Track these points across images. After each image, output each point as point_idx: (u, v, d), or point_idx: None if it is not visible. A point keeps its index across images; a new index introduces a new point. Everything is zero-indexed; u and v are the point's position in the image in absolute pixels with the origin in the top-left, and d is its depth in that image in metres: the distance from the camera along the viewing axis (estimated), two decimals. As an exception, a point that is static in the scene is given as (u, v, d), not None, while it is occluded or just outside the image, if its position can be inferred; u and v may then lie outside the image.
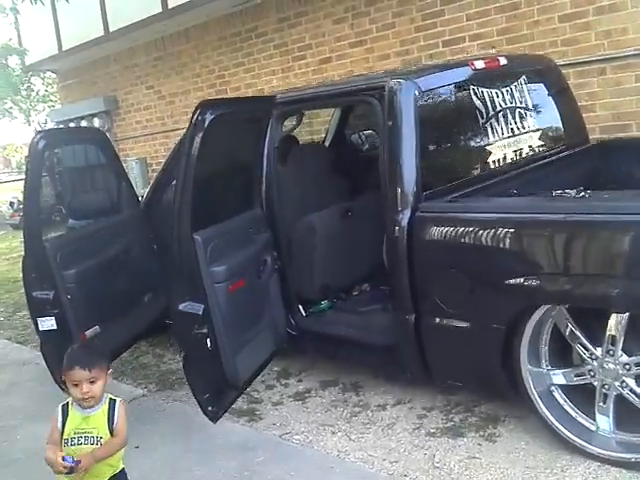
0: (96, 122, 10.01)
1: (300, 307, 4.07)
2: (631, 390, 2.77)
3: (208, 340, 3.12)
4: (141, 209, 4.69)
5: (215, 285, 3.19)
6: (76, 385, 2.44)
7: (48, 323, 3.69)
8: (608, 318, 2.74)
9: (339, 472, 3.09)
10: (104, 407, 2.50)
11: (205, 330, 3.11)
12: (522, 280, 2.85)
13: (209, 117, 3.03)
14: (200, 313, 3.10)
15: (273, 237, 3.82)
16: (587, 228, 2.77)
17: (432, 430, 3.33)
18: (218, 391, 3.33)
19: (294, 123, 4.48)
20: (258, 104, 3.80)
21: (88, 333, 3.88)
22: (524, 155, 3.92)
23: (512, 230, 2.88)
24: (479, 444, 3.15)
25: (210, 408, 3.23)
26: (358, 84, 3.88)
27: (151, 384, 4.46)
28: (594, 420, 2.91)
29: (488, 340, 3.05)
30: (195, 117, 3.03)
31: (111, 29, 8.84)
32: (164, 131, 9.21)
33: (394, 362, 3.53)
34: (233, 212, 3.55)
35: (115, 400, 2.54)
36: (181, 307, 3.15)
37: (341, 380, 4.05)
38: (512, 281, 2.88)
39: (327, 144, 5.58)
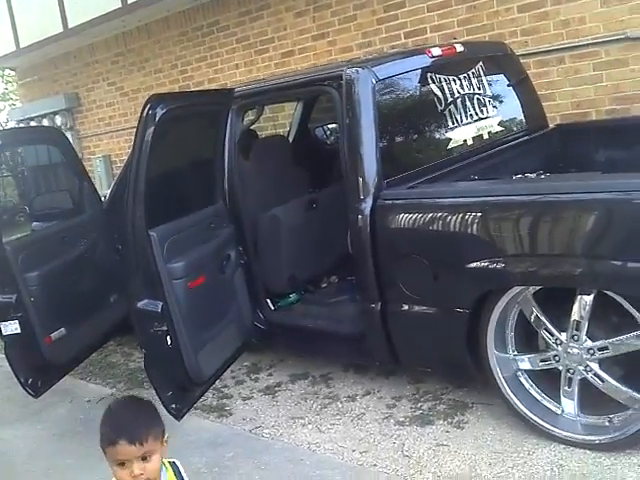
0: (58, 120, 9.85)
1: (268, 301, 4.07)
2: (595, 374, 2.81)
3: (168, 337, 3.10)
4: (104, 208, 4.63)
5: (173, 282, 3.16)
6: (122, 464, 1.83)
7: (12, 327, 3.63)
8: (573, 304, 2.78)
9: (309, 464, 3.10)
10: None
11: (165, 327, 3.08)
12: (484, 263, 2.87)
13: (160, 112, 2.99)
14: (159, 310, 3.08)
15: (238, 232, 3.80)
16: (549, 208, 2.78)
17: (401, 419, 3.36)
18: (181, 388, 3.31)
19: (254, 117, 4.45)
20: (214, 98, 3.76)
21: (53, 336, 3.82)
22: (484, 141, 3.95)
23: (473, 214, 2.90)
24: (447, 431, 3.18)
25: (174, 406, 3.21)
26: (316, 74, 3.87)
27: (120, 383, 4.43)
28: (559, 404, 2.95)
29: (453, 325, 3.08)
30: (145, 112, 2.98)
31: (70, 25, 8.67)
32: (128, 128, 9.08)
33: (363, 351, 3.55)
34: (193, 207, 3.52)
35: (175, 463, 2.07)
36: (139, 305, 3.13)
37: (311, 373, 4.05)
38: (474, 265, 2.90)
39: (291, 137, 5.57)
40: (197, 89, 7.66)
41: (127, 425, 1.85)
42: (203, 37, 7.80)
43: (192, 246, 3.36)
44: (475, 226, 2.91)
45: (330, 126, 5.62)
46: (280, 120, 6.90)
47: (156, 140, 3.03)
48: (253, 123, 4.47)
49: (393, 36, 6.21)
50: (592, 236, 2.64)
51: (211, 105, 3.65)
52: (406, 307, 3.23)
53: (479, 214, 2.90)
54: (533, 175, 3.39)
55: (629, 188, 2.61)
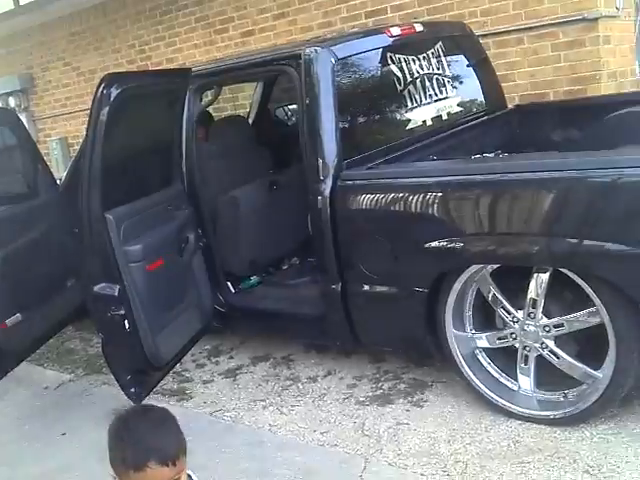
0: (12, 101, 9.57)
1: (228, 284, 4.04)
2: (551, 351, 2.86)
3: (126, 321, 3.06)
4: (60, 192, 4.52)
5: (130, 265, 3.12)
6: None
7: (-36, 314, 3.54)
8: (529, 282, 2.81)
9: (270, 446, 3.10)
10: None
11: (122, 311, 3.05)
12: (443, 243, 2.89)
13: (115, 91, 2.93)
14: (116, 294, 3.04)
15: (197, 214, 3.76)
16: (505, 188, 2.80)
17: (362, 399, 3.38)
18: (140, 372, 3.28)
19: (212, 97, 4.39)
20: (171, 77, 3.69)
21: (8, 322, 3.74)
22: (443, 121, 3.96)
23: (431, 194, 2.91)
24: (407, 410, 3.21)
25: (132, 390, 3.19)
26: (274, 54, 3.82)
27: (78, 369, 4.37)
28: (516, 381, 3.00)
29: (412, 304, 3.10)
30: (99, 91, 2.92)
31: (21, 2, 8.42)
32: (85, 109, 8.87)
33: (324, 332, 3.56)
34: (150, 189, 3.46)
35: (190, 477, 1.77)
36: (96, 289, 3.09)
37: (272, 355, 4.05)
38: (433, 244, 2.92)
39: (250, 118, 5.51)
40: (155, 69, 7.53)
41: (156, 443, 1.58)
42: (161, 16, 7.64)
43: (149, 229, 3.31)
44: (434, 206, 2.92)
45: (291, 107, 5.58)
46: (240, 101, 6.82)
47: (111, 120, 2.96)
48: (211, 103, 4.40)
49: (354, 16, 6.16)
50: (549, 215, 2.67)
51: (168, 85, 3.58)
52: (366, 287, 3.24)
53: (437, 194, 2.90)
54: (491, 155, 3.41)
55: (584, 167, 2.63)
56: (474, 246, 2.85)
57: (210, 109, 4.98)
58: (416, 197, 2.95)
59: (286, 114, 5.68)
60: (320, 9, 6.35)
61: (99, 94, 2.93)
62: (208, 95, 4.51)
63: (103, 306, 3.09)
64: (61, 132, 9.42)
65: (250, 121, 5.47)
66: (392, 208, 3.05)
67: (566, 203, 2.65)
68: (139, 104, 3.21)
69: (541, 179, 2.70)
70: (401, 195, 3.01)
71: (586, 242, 2.57)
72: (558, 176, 2.67)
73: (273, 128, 5.40)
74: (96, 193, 3.01)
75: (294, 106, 5.50)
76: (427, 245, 2.93)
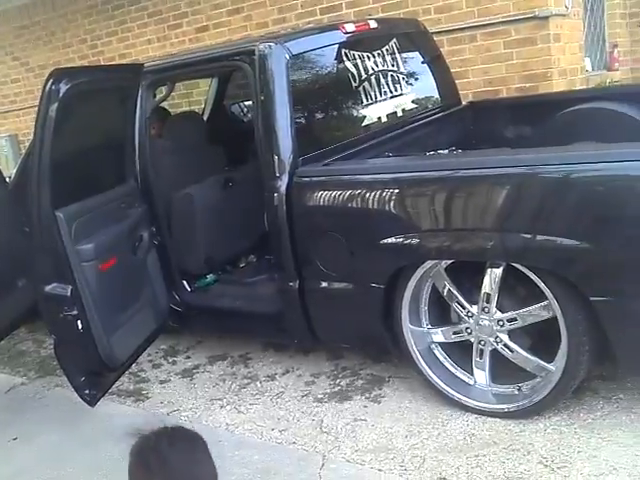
0: (-42, 97, 9.32)
1: (184, 282, 4.00)
2: (505, 345, 2.90)
3: (78, 322, 3.00)
4: (10, 190, 4.41)
5: (83, 264, 3.05)
6: None
7: None
8: (483, 277, 2.85)
9: (227, 445, 3.08)
10: None
11: (75, 312, 2.99)
12: (398, 239, 2.90)
13: (64, 87, 2.86)
14: (68, 294, 2.98)
15: (151, 211, 3.70)
16: (460, 184, 2.82)
17: (320, 396, 3.38)
18: (94, 374, 3.22)
19: (165, 93, 4.32)
20: (123, 73, 3.62)
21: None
22: (398, 118, 3.97)
23: (387, 191, 2.92)
24: (365, 406, 3.22)
25: (87, 392, 3.13)
26: (228, 49, 3.79)
27: (30, 371, 4.27)
28: (472, 375, 3.03)
29: (369, 301, 3.11)
30: (48, 87, 2.85)
31: (-33, -6, 8.22)
32: (35, 106, 8.66)
33: (281, 330, 3.54)
34: (103, 187, 3.39)
35: None
36: (47, 289, 3.02)
37: (230, 354, 4.02)
38: (389, 241, 2.93)
39: (205, 114, 5.45)
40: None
41: (189, 476, 1.43)
42: (113, 10, 7.51)
43: (102, 227, 3.24)
44: (389, 203, 2.92)
45: (246, 103, 5.54)
46: (195, 97, 6.76)
47: (61, 117, 2.90)
48: (164, 99, 4.34)
49: (309, 12, 6.16)
50: (502, 211, 2.69)
51: (120, 80, 3.51)
52: (324, 284, 3.23)
53: (392, 191, 2.91)
54: (445, 152, 3.44)
55: (536, 163, 2.67)
56: (429, 242, 2.87)
57: (164, 105, 4.91)
58: (372, 194, 2.96)
59: (242, 110, 5.64)
60: (275, 5, 6.33)
61: (47, 90, 2.86)
62: (162, 91, 4.45)
63: (55, 307, 3.03)
64: (11, 129, 9.19)
65: (205, 117, 5.42)
66: (348, 205, 3.05)
67: (518, 199, 2.68)
68: (89, 100, 3.15)
69: (493, 175, 2.73)
70: (357, 192, 3.01)
71: (539, 237, 2.61)
72: (510, 172, 2.71)
73: (228, 124, 5.35)
74: (46, 191, 2.94)
75: (249, 102, 5.48)
76: (383, 241, 2.94)
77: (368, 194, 2.98)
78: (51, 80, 2.86)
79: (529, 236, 2.63)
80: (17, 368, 4.34)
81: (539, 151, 2.95)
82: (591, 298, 2.56)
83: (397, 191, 2.90)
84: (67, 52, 8.10)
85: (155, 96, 4.10)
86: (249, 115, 5.52)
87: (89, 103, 3.15)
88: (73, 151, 3.12)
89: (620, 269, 2.51)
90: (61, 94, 2.86)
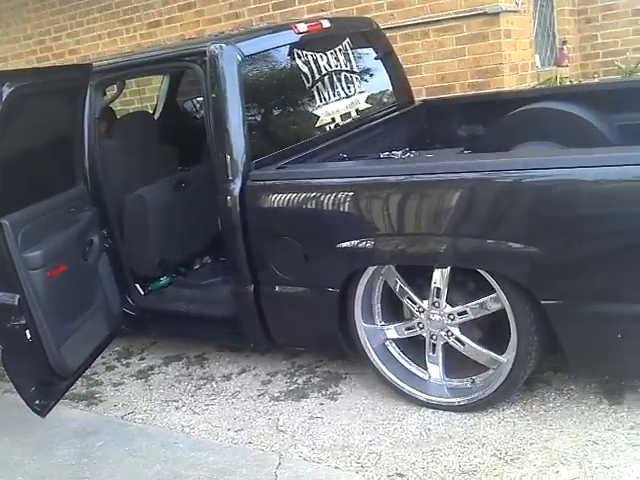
0: None
1: (137, 285, 3.94)
2: (456, 338, 2.93)
3: (27, 331, 2.92)
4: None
5: (30, 272, 2.96)
6: None
7: None
8: (432, 272, 2.87)
9: (183, 447, 3.05)
10: None
11: (23, 321, 2.90)
12: (353, 243, 2.91)
13: (7, 90, 2.77)
14: (15, 303, 2.89)
15: (102, 214, 3.62)
16: (413, 189, 2.83)
17: (276, 395, 3.36)
18: (45, 383, 3.13)
19: (115, 93, 4.24)
20: (70, 73, 3.53)
21: None
22: (353, 118, 3.96)
23: (341, 195, 2.91)
24: (321, 403, 3.22)
25: (37, 402, 3.04)
26: (179, 49, 3.72)
27: (-21, 377, 4.15)
28: (426, 370, 3.05)
29: (325, 304, 3.11)
30: None
31: None
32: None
33: (237, 333, 3.51)
34: (51, 191, 3.28)
35: None
36: None
37: (185, 354, 3.98)
38: (343, 244, 2.92)
39: (157, 112, 5.37)
40: (56, 63, 7.25)
41: None
42: (62, 5, 7.36)
43: (50, 233, 3.14)
44: (343, 207, 2.92)
45: (199, 99, 5.47)
46: (148, 93, 6.66)
47: (3, 121, 2.81)
48: (115, 99, 4.25)
49: (261, 7, 6.14)
50: (453, 215, 2.70)
51: (67, 82, 3.41)
52: (279, 289, 3.22)
53: (347, 195, 2.90)
54: (399, 152, 3.45)
55: (485, 168, 2.69)
56: (384, 246, 2.87)
57: (116, 102, 4.82)
58: (326, 198, 2.95)
59: (194, 106, 5.57)
60: (227, 0, 6.27)
61: None
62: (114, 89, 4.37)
63: (2, 316, 2.93)
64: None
65: (157, 115, 5.33)
66: (302, 209, 3.03)
67: (469, 204, 2.69)
68: (35, 102, 3.06)
69: (444, 180, 2.75)
70: (311, 196, 3.00)
71: (489, 242, 2.65)
72: (460, 178, 2.71)
73: (181, 122, 5.28)
74: None
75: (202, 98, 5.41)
76: (338, 246, 2.94)
77: (322, 198, 2.97)
78: None
79: (480, 241, 2.67)
80: (-35, 375, 4.22)
81: (488, 156, 2.99)
82: (542, 302, 2.61)
83: (351, 196, 2.89)
84: (14, 48, 7.91)
85: (105, 95, 4.00)
86: (202, 111, 5.46)
87: (35, 105, 3.06)
88: (19, 155, 3.02)
89: (570, 273, 2.56)
90: (4, 97, 2.78)
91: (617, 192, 2.44)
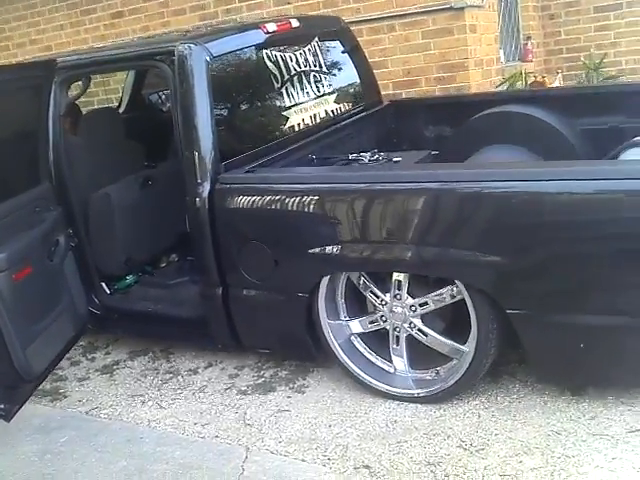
0: None
1: (103, 284, 3.89)
2: (419, 330, 2.96)
3: None
4: None
5: None
6: None
7: None
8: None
9: (149, 441, 3.03)
10: None
11: None
12: (321, 249, 2.92)
13: None
14: None
15: (67, 213, 3.55)
16: (374, 196, 2.86)
17: (243, 388, 3.36)
18: (10, 387, 3.05)
19: (80, 89, 4.16)
20: (33, 70, 3.44)
21: None
22: (322, 119, 3.95)
23: (309, 200, 2.91)
24: (289, 397, 3.23)
25: (2, 406, 2.96)
26: (147, 48, 3.66)
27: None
28: (391, 363, 3.08)
29: (294, 308, 3.12)
30: None
31: None
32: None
33: (204, 335, 3.49)
34: (14, 191, 3.20)
35: None
36: None
37: (151, 349, 3.95)
38: (312, 250, 2.93)
39: (122, 107, 5.29)
40: (17, 52, 7.10)
41: None
42: (21, -7, 7.21)
43: (15, 234, 3.06)
44: (311, 213, 2.93)
45: (166, 91, 5.40)
46: (112, 85, 6.57)
47: None
48: (80, 96, 4.16)
49: (226, -1, 6.08)
50: (418, 224, 2.73)
51: (30, 79, 3.32)
52: (248, 292, 3.22)
53: (314, 201, 2.91)
54: (368, 154, 3.47)
55: (449, 179, 2.72)
56: (351, 253, 2.89)
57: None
58: (295, 203, 2.95)
59: (160, 98, 5.50)
60: (193, -9, 6.21)
61: None
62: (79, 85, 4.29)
63: None
64: None
65: (122, 109, 5.25)
66: (271, 213, 3.03)
67: (433, 213, 2.73)
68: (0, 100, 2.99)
69: (409, 190, 2.79)
70: (280, 200, 2.99)
71: (452, 251, 2.69)
72: (425, 187, 2.75)
73: (147, 116, 5.19)
74: None
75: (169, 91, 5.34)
76: (308, 251, 2.95)
77: (291, 203, 2.97)
78: None
79: (445, 249, 2.71)
80: None
81: (451, 167, 3.04)
82: (507, 311, 2.66)
83: (319, 201, 2.90)
84: (-28, 37, 7.72)
85: (69, 92, 3.92)
86: (168, 104, 5.39)
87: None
88: None
89: (534, 283, 2.61)
90: None
91: (578, 204, 2.50)
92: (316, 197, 2.91)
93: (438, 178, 2.75)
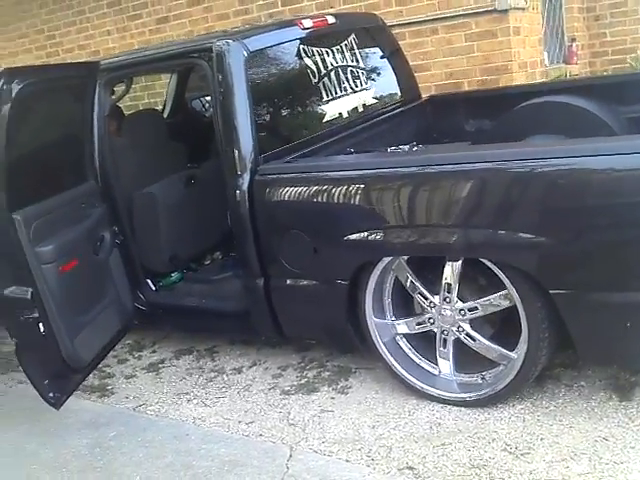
0: None
1: (149, 281, 3.96)
2: (467, 334, 2.94)
3: (40, 325, 2.95)
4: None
5: (43, 266, 2.99)
6: None
7: None
8: (444, 268, 2.88)
9: (194, 438, 3.08)
10: None
11: (36, 314, 2.93)
12: (362, 235, 2.92)
13: (16, 87, 2.79)
14: (28, 297, 2.92)
15: (112, 211, 3.65)
16: (424, 180, 2.84)
17: (287, 388, 3.39)
18: (58, 376, 3.16)
19: (123, 90, 4.25)
20: (78, 71, 3.54)
21: None
22: (359, 113, 3.97)
23: (349, 187, 2.92)
24: (332, 397, 3.24)
25: (51, 394, 3.07)
26: (186, 46, 3.74)
27: (-8, 368, 4.20)
28: (436, 365, 3.07)
29: (334, 296, 3.12)
30: None
31: None
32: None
33: (248, 327, 3.54)
34: (62, 187, 3.31)
35: None
36: (7, 292, 2.95)
37: (196, 348, 4.01)
38: (353, 237, 2.94)
39: (166, 110, 5.38)
40: (66, 58, 7.27)
41: None
42: (70, 0, 7.38)
43: (62, 228, 3.17)
44: (352, 199, 2.93)
45: (207, 98, 5.48)
46: (157, 89, 6.69)
47: (14, 117, 2.84)
48: (123, 96, 4.26)
49: (270, 3, 6.15)
50: (463, 206, 2.70)
51: (75, 79, 3.43)
52: (289, 282, 3.24)
53: (355, 187, 2.92)
54: (406, 147, 3.47)
55: (495, 159, 2.68)
56: (393, 238, 2.88)
57: (126, 98, 4.84)
58: (334, 191, 2.96)
59: (203, 105, 5.59)
60: (236, -4, 6.30)
61: None
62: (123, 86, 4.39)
63: (15, 310, 2.96)
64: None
65: (165, 113, 5.34)
66: (310, 202, 3.05)
67: (479, 195, 2.69)
68: (45, 99, 3.09)
69: (455, 172, 2.74)
70: (319, 189, 3.01)
71: (500, 233, 2.65)
72: (471, 168, 2.70)
73: (190, 120, 5.28)
74: (1, 193, 2.88)
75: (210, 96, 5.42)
76: (346, 238, 2.95)
77: (330, 191, 2.99)
78: (2, 80, 2.79)
79: (490, 231, 2.67)
80: (-22, 366, 4.26)
81: (498, 147, 2.99)
82: (550, 291, 2.61)
83: (360, 188, 2.91)
84: (23, 43, 7.94)
85: (113, 93, 4.02)
86: (210, 110, 5.47)
87: (44, 102, 3.09)
88: (30, 152, 3.05)
89: (577, 263, 2.57)
90: (14, 94, 2.80)
91: (625, 181, 2.44)
92: (356, 183, 2.91)
93: (484, 158, 2.70)
